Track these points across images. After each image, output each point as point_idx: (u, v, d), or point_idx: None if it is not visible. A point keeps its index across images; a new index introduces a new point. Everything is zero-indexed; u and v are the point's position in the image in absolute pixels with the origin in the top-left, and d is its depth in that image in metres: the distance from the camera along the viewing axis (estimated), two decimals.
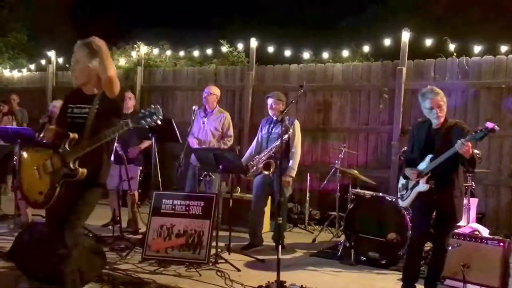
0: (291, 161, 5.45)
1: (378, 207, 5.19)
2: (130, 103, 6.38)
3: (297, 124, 5.61)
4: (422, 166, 3.99)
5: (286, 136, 5.36)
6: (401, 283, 4.43)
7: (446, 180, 3.92)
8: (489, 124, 3.58)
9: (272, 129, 5.57)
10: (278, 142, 5.35)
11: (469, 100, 6.52)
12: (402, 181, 4.27)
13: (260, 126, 5.81)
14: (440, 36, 6.79)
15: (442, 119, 3.98)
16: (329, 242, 5.91)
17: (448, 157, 3.78)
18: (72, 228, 3.30)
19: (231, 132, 6.10)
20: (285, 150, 5.44)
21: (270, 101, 5.58)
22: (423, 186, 3.96)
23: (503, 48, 6.53)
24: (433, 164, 3.89)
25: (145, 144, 6.03)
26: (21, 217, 5.90)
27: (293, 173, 5.45)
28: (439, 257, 4.05)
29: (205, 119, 6.04)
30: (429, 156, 3.94)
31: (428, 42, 6.88)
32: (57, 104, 6.21)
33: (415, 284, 4.10)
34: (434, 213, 4.07)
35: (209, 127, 6.02)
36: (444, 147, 3.84)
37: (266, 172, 5.43)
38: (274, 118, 5.56)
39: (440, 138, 3.96)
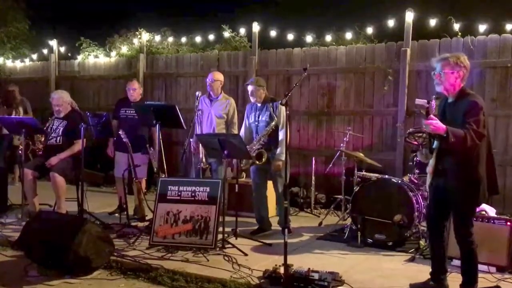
0: (279, 148, 5.36)
1: (384, 189, 5.19)
2: (136, 93, 6.33)
3: (281, 107, 5.40)
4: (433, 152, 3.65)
5: (273, 123, 5.35)
6: (408, 263, 4.47)
7: (450, 164, 3.55)
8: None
9: (258, 117, 5.52)
10: (265, 132, 5.39)
11: (474, 80, 6.43)
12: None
13: (245, 113, 5.75)
14: (445, 15, 6.70)
15: (440, 88, 3.59)
16: (336, 225, 5.92)
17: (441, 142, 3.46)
18: None
19: (235, 119, 6.08)
20: (276, 136, 5.41)
21: (250, 88, 5.52)
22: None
23: (509, 26, 6.43)
24: (433, 156, 3.58)
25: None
26: (29, 207, 5.93)
27: (283, 157, 5.23)
28: (460, 247, 3.67)
29: (210, 106, 6.01)
30: (436, 142, 3.54)
31: (433, 22, 6.79)
32: (55, 96, 6.13)
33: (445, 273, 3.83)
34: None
35: (214, 113, 5.99)
36: (451, 125, 3.39)
37: (258, 162, 5.38)
38: (258, 105, 5.53)
39: (451, 114, 3.57)
